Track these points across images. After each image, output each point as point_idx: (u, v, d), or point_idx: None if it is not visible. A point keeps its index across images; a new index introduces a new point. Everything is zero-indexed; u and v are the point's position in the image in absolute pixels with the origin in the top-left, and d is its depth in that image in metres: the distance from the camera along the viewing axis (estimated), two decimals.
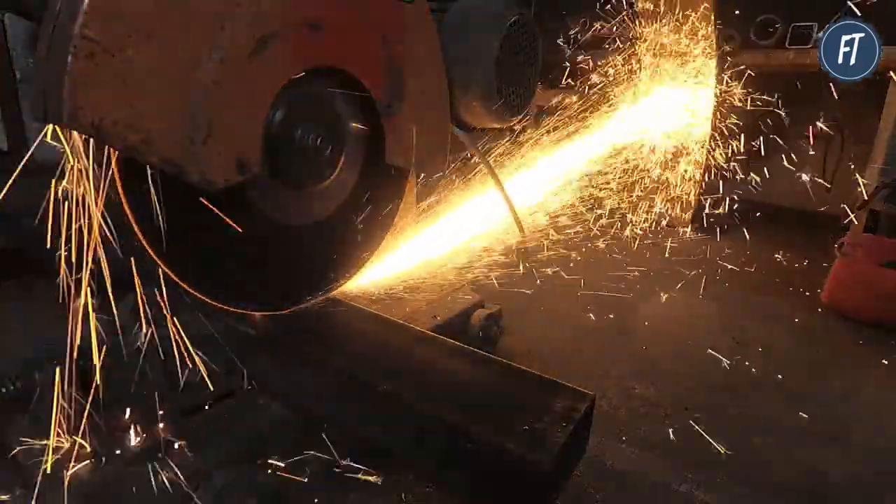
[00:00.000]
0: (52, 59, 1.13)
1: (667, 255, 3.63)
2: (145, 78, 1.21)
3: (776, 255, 3.52)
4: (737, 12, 3.60)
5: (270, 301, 1.66)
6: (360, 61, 1.66)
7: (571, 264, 3.26)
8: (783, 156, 3.48)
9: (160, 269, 1.40)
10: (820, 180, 3.89)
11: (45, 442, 1.49)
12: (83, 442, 1.53)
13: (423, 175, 2.02)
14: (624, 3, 3.21)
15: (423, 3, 1.80)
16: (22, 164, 1.31)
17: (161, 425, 1.61)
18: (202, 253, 1.47)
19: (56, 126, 1.22)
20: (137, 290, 1.44)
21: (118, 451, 1.56)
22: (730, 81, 3.34)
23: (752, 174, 3.56)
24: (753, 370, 2.48)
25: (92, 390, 1.49)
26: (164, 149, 1.27)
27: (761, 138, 3.38)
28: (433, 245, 2.44)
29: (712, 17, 3.44)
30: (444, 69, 1.93)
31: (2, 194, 1.25)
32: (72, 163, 1.29)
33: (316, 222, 1.77)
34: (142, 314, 1.47)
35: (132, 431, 1.59)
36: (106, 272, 1.39)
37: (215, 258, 1.50)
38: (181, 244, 1.41)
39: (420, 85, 1.84)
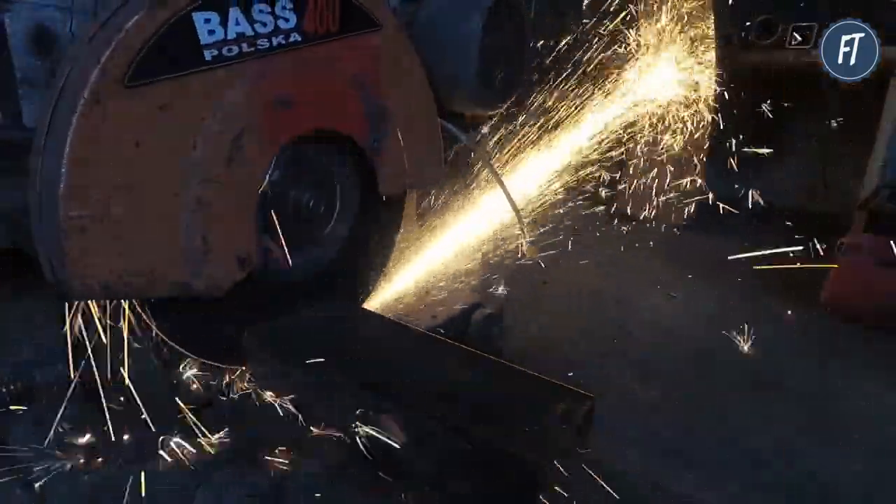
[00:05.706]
0: (47, 239, 1.16)
1: (666, 253, 3.63)
2: (135, 224, 1.23)
3: (775, 255, 3.52)
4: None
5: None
6: (336, 116, 1.61)
7: (570, 261, 3.25)
8: (783, 155, 3.47)
9: None
10: (819, 180, 3.89)
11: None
12: (83, 441, 1.53)
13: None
14: None
15: (391, 19, 1.72)
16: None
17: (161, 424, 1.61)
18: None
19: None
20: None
21: (118, 450, 1.56)
22: (729, 81, 3.33)
23: (751, 173, 3.55)
24: (753, 370, 2.48)
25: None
26: (169, 277, 1.30)
27: (761, 138, 3.37)
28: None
29: (712, 17, 3.43)
30: (425, 73, 1.85)
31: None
32: None
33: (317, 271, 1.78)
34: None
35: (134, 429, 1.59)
36: None
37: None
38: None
39: (404, 105, 1.77)
